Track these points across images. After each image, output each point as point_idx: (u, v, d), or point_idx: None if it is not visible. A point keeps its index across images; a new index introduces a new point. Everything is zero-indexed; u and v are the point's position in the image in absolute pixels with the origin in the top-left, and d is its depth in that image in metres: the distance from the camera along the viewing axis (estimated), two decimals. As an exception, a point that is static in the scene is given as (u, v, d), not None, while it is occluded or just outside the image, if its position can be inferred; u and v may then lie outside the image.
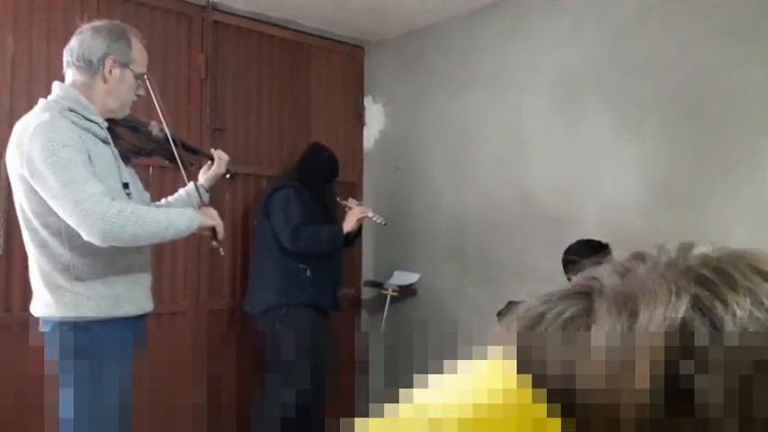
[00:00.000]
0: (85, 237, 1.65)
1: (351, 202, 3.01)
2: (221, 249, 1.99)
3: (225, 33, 3.27)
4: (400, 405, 0.33)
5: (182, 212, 1.86)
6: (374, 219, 2.98)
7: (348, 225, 2.89)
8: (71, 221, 1.65)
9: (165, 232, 1.76)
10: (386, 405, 0.33)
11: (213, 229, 1.92)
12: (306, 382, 2.81)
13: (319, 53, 3.67)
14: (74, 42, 1.81)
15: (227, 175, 2.22)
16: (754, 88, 2.28)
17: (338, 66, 3.78)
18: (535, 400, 0.30)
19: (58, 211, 1.66)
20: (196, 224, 1.84)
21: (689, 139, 2.45)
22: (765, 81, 2.26)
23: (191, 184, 2.12)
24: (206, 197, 2.19)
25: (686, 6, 2.47)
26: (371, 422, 0.33)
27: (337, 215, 3.06)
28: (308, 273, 2.93)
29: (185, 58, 3.12)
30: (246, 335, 3.20)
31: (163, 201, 2.18)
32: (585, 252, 2.14)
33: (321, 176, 3.09)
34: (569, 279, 2.19)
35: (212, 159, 2.18)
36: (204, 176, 2.20)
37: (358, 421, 0.33)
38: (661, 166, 2.53)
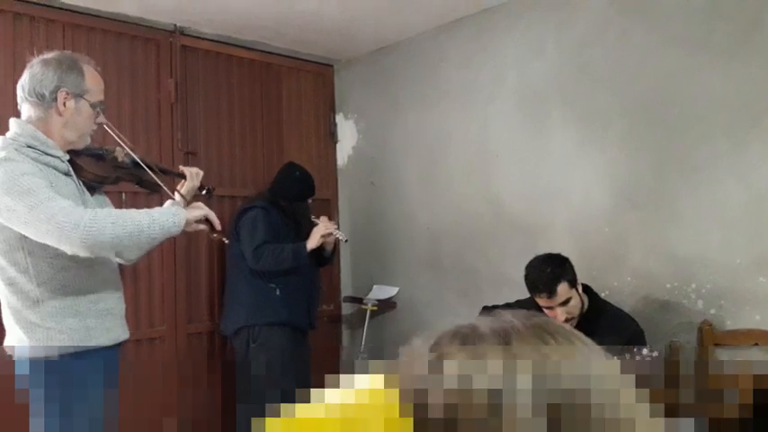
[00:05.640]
0: (68, 250, 1.62)
1: (322, 220, 2.97)
2: (224, 238, 1.94)
3: (193, 57, 3.29)
4: (297, 405, 0.36)
5: (163, 209, 1.78)
6: (337, 236, 2.95)
7: (311, 242, 2.85)
8: (50, 240, 1.61)
9: (149, 230, 1.67)
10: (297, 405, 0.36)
11: (208, 221, 1.84)
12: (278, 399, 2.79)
13: (289, 73, 3.71)
14: (25, 77, 1.77)
15: (204, 192, 2.18)
16: (709, 95, 2.36)
17: (308, 84, 3.81)
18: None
19: (33, 236, 1.62)
20: (182, 219, 1.74)
21: (651, 146, 2.52)
22: (720, 88, 2.34)
23: (175, 198, 2.05)
24: None
25: (643, 18, 2.55)
26: (282, 422, 0.35)
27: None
28: (278, 292, 2.92)
29: (155, 84, 3.13)
30: (224, 356, 3.19)
31: None
32: (544, 269, 2.11)
33: (293, 195, 3.07)
34: (537, 301, 2.16)
35: (184, 177, 2.15)
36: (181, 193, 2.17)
37: (269, 421, 0.36)
38: (625, 172, 2.60)
